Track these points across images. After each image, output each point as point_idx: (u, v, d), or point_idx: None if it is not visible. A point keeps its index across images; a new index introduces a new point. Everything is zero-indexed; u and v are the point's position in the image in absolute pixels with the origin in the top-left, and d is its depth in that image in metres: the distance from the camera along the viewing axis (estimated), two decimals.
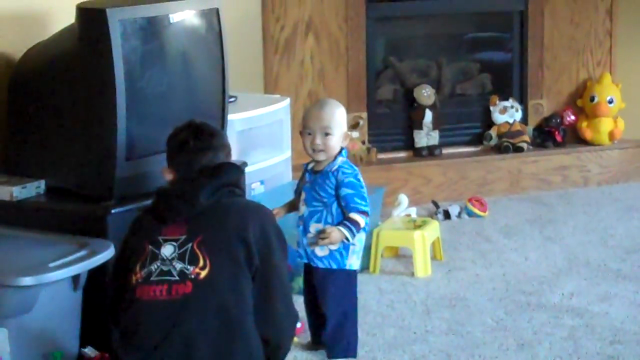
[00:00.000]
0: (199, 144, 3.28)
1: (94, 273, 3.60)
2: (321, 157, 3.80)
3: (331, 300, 3.80)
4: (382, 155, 6.10)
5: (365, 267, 4.83)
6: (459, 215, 5.73)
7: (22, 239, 3.76)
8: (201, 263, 3.08)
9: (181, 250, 3.10)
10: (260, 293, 3.11)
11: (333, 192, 3.78)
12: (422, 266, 4.80)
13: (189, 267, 3.08)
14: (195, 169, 3.23)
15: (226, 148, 3.35)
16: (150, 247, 3.16)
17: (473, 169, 6.15)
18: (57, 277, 3.47)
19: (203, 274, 3.07)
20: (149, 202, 3.84)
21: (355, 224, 3.76)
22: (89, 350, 3.77)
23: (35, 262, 3.51)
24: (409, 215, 5.30)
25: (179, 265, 3.09)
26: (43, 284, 3.45)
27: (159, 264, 3.11)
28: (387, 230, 4.90)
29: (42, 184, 3.99)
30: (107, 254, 3.61)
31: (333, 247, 3.76)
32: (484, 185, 6.14)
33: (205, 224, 3.13)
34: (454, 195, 6.04)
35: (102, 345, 3.76)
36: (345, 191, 3.77)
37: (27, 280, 3.40)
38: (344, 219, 3.76)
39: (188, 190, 3.16)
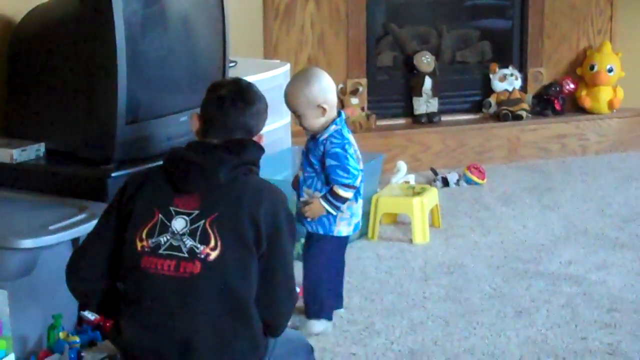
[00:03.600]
0: (234, 107, 3.16)
1: None
2: (308, 133, 3.82)
3: (310, 261, 3.86)
4: (381, 122, 6.10)
5: (364, 233, 4.84)
6: (457, 183, 5.73)
7: (22, 202, 3.76)
8: (212, 243, 2.99)
9: (193, 227, 3.00)
10: (264, 277, 3.05)
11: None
12: (421, 233, 4.80)
13: (199, 245, 2.99)
14: (222, 128, 3.12)
15: (260, 118, 3.24)
16: (160, 215, 3.03)
17: (472, 137, 6.16)
18: (56, 240, 3.47)
19: (213, 255, 2.98)
20: (148, 165, 3.84)
21: (337, 197, 3.77)
22: (88, 313, 3.78)
23: (35, 224, 3.51)
24: (407, 182, 5.31)
25: (189, 242, 3.01)
26: (43, 247, 3.45)
27: (168, 237, 3.00)
28: (385, 197, 4.90)
29: (42, 146, 3.98)
30: None
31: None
32: (483, 153, 6.15)
33: (220, 201, 3.02)
34: (453, 162, 6.05)
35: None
36: (329, 162, 3.78)
37: (27, 243, 3.39)
38: (328, 191, 3.78)
39: (208, 163, 3.02)
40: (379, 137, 5.97)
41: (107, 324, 3.74)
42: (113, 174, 3.77)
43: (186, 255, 2.98)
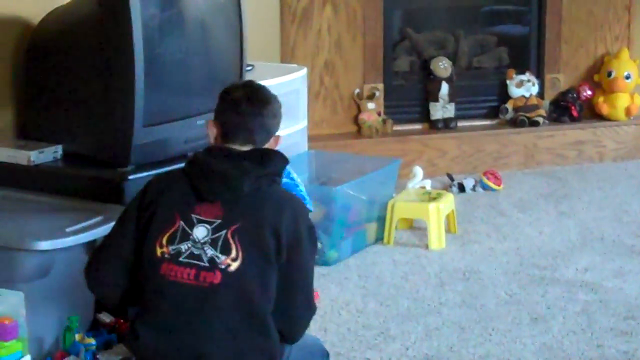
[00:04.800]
0: (251, 107, 3.12)
1: None
2: None
3: None
4: (397, 127, 6.08)
5: (379, 238, 4.84)
6: (473, 189, 5.72)
7: (39, 204, 3.77)
8: (233, 254, 2.96)
9: (214, 236, 2.97)
10: (283, 288, 3.03)
11: None
12: (437, 238, 4.80)
13: (220, 255, 2.96)
14: (242, 130, 3.09)
15: (277, 117, 3.22)
16: (181, 222, 3.00)
17: (488, 143, 6.14)
18: (73, 242, 3.48)
19: (234, 266, 2.95)
20: (166, 169, 3.85)
21: None
22: (104, 316, 3.78)
23: (52, 227, 3.52)
24: (423, 188, 5.30)
25: (210, 252, 2.98)
26: (59, 249, 3.46)
27: (189, 245, 2.97)
28: (402, 202, 4.89)
29: (59, 149, 3.99)
30: None
31: None
32: (499, 159, 6.13)
33: (242, 211, 2.99)
34: (469, 168, 6.03)
35: (116, 311, 3.78)
36: None
37: (43, 245, 3.40)
38: None
39: (233, 173, 2.98)
40: (395, 142, 5.96)
41: (123, 327, 3.74)
42: (130, 177, 3.78)
43: (207, 264, 2.97)
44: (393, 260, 4.64)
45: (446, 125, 6.15)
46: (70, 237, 3.47)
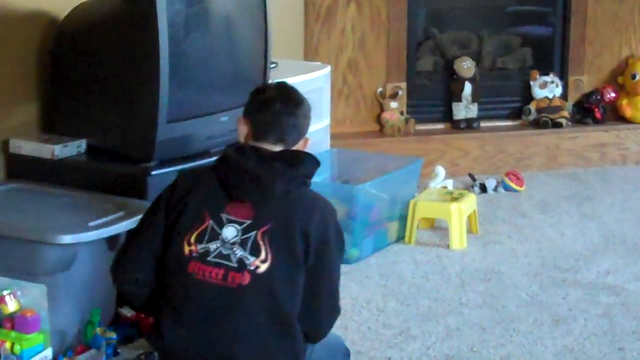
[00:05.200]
0: (284, 107, 3.11)
1: None
2: None
3: None
4: (420, 127, 6.08)
5: (400, 237, 4.83)
6: (495, 189, 5.70)
7: (61, 198, 3.78)
8: (262, 255, 2.94)
9: (244, 236, 2.95)
10: (309, 290, 3.01)
11: None
12: (458, 238, 4.79)
13: (249, 257, 2.93)
14: (274, 130, 3.09)
15: (307, 119, 3.20)
16: (211, 221, 2.98)
17: (511, 143, 6.12)
18: (95, 237, 3.49)
19: (262, 267, 2.94)
20: (189, 165, 3.86)
21: None
22: (126, 310, 3.79)
23: (75, 221, 3.53)
24: (445, 187, 5.29)
25: (239, 252, 2.96)
26: (81, 243, 3.47)
27: (218, 245, 2.95)
28: (423, 202, 4.89)
29: (83, 143, 4.01)
30: None
31: None
32: (521, 160, 6.11)
33: (272, 213, 2.96)
34: (491, 169, 6.01)
35: (139, 310, 3.78)
36: None
37: (66, 239, 3.42)
38: None
39: (264, 174, 2.96)
40: (417, 141, 5.96)
41: (144, 322, 3.75)
42: (153, 172, 3.79)
43: (235, 265, 2.96)
44: (414, 259, 4.64)
45: (469, 125, 6.13)
46: (92, 231, 3.48)
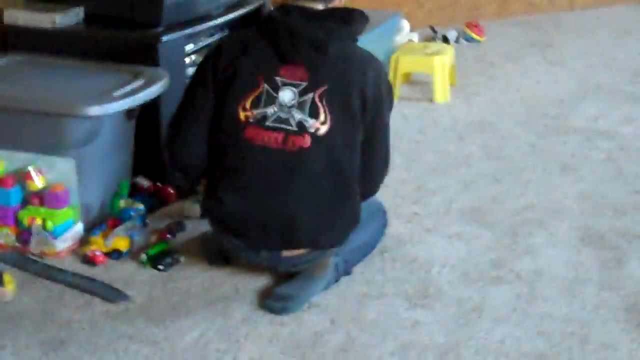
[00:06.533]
0: None
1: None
2: None
3: None
4: None
5: None
6: (457, 40, 5.70)
7: (70, 69, 3.62)
8: (322, 117, 2.89)
9: (301, 99, 2.90)
10: (364, 147, 2.99)
11: None
12: (441, 92, 4.79)
13: (308, 119, 2.89)
14: None
15: None
16: (265, 85, 2.92)
17: None
18: (121, 107, 3.37)
19: (323, 129, 2.89)
20: (193, 29, 3.74)
21: None
22: (142, 180, 3.71)
23: (97, 91, 3.38)
24: (411, 41, 5.27)
25: (298, 115, 2.90)
26: (108, 114, 3.35)
27: (276, 110, 2.91)
28: (405, 56, 4.85)
29: (80, 10, 3.82)
30: (164, 83, 3.51)
31: None
32: (474, 10, 6.10)
33: (328, 73, 2.91)
34: (445, 20, 5.98)
35: (151, 175, 3.71)
36: None
37: (94, 110, 3.29)
38: None
39: (319, 35, 2.89)
40: None
41: (162, 191, 3.68)
42: (164, 38, 3.65)
43: (295, 128, 2.91)
44: (402, 114, 4.62)
45: None
46: (118, 101, 3.35)
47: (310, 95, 2.92)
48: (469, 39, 5.72)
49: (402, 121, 4.55)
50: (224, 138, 2.98)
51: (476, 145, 4.27)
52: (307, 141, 2.92)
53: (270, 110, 2.93)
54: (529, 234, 3.45)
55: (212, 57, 3.02)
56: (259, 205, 2.96)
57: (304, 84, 2.93)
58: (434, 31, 5.75)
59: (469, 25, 5.76)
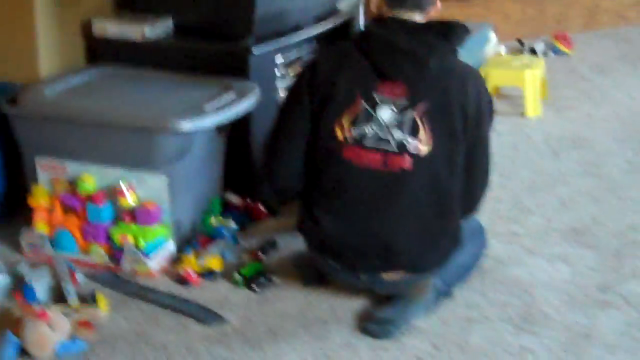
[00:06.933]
0: None
1: None
2: None
3: None
4: None
5: None
6: (544, 53, 5.56)
7: (160, 81, 3.54)
8: (423, 137, 2.78)
9: (401, 117, 2.80)
10: (465, 165, 2.89)
11: None
12: (533, 106, 4.65)
13: (409, 139, 2.80)
14: (409, 5, 2.89)
15: None
16: (363, 102, 2.82)
17: (551, 4, 5.96)
18: (213, 122, 3.28)
19: (424, 149, 2.79)
20: (283, 41, 3.65)
21: None
22: (232, 197, 3.62)
23: (188, 105, 3.30)
24: (500, 54, 5.15)
25: (397, 134, 2.79)
26: (200, 129, 3.26)
27: (374, 128, 2.80)
28: (495, 70, 4.72)
29: (169, 22, 3.75)
30: (256, 97, 3.42)
31: None
32: (562, 22, 5.96)
33: (427, 89, 2.79)
34: (533, 32, 5.85)
35: (240, 190, 3.62)
36: None
37: (186, 125, 3.20)
38: None
39: (419, 50, 2.79)
40: (458, 6, 5.77)
41: (253, 208, 3.59)
42: (255, 51, 3.56)
43: (395, 149, 2.81)
44: (494, 129, 4.47)
45: None
46: (210, 116, 3.26)
47: (410, 113, 2.81)
48: (557, 52, 5.58)
49: (494, 136, 4.37)
50: (321, 158, 2.88)
51: (572, 161, 4.13)
52: (407, 162, 2.82)
53: (368, 129, 2.83)
54: (635, 256, 3.31)
55: (307, 73, 2.93)
56: (358, 227, 2.86)
57: (404, 101, 2.82)
58: (521, 44, 5.61)
59: (557, 37, 5.62)
